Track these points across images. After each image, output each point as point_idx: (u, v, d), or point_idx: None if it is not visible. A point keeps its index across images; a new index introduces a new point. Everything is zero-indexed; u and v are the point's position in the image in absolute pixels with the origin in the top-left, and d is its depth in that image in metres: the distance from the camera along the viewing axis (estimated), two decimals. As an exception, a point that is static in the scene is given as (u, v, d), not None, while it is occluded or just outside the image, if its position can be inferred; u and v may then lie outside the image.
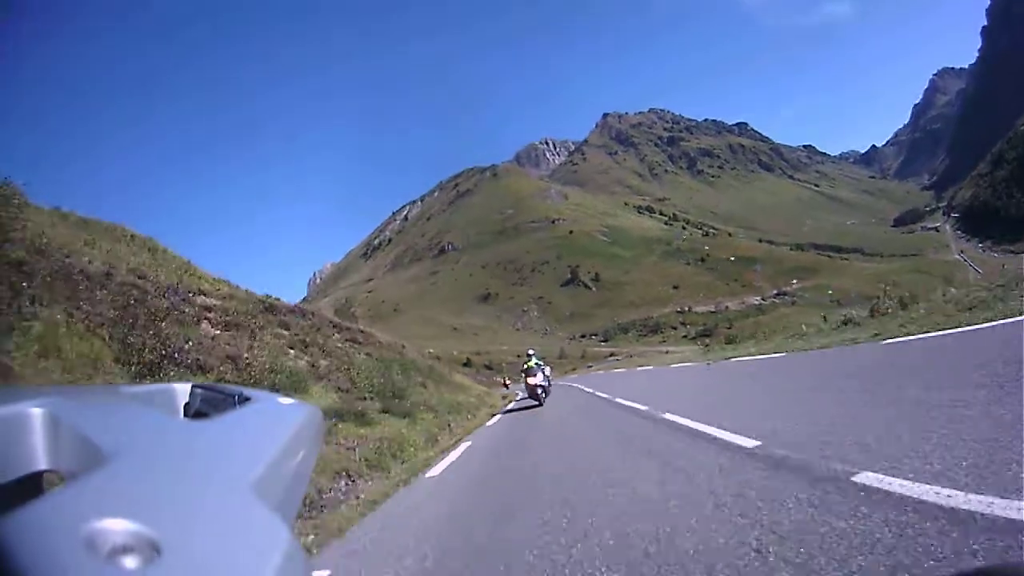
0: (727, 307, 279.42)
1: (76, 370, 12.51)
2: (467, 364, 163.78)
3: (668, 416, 13.22)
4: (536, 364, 30.29)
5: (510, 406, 34.07)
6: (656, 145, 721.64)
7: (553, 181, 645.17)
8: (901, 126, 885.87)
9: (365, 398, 22.76)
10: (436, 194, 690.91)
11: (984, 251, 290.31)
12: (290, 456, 0.90)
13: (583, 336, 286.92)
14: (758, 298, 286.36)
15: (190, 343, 17.13)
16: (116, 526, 0.54)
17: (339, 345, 36.88)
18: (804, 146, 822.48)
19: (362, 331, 51.15)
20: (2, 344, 10.69)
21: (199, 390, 1.27)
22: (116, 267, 20.58)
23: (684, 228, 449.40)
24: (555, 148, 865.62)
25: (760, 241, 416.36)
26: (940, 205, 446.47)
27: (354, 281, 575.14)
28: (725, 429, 9.56)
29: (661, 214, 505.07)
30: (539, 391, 29.46)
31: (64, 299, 15.02)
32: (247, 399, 1.17)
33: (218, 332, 22.81)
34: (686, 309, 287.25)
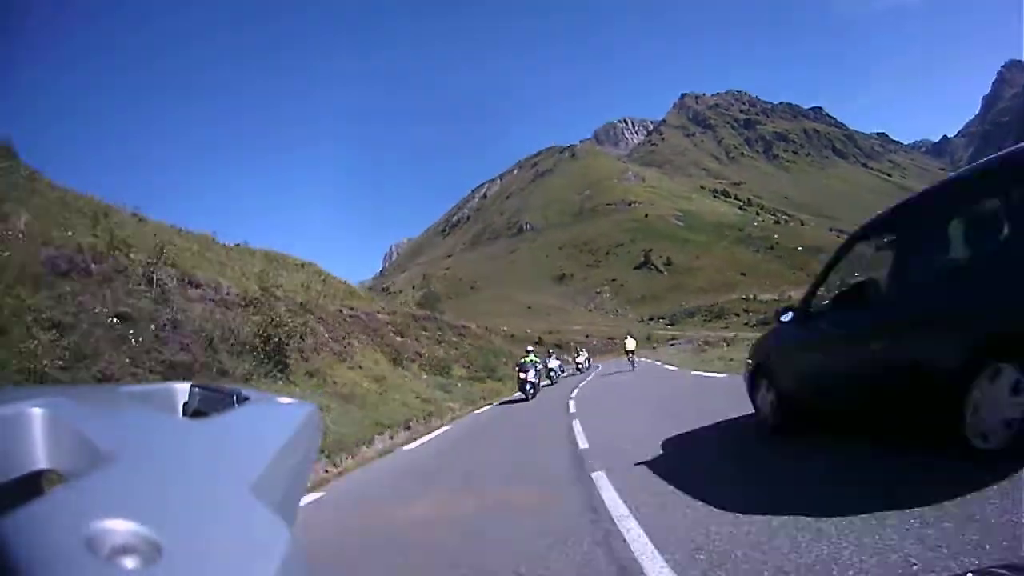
0: (790, 296, 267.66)
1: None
2: (538, 343, 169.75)
3: (665, 366, 41.91)
4: (532, 361, 32.80)
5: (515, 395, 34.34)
6: (733, 128, 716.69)
7: (631, 162, 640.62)
8: (971, 117, 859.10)
9: (478, 371, 43.44)
10: (515, 172, 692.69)
11: None
12: (289, 455, 0.91)
13: (651, 319, 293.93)
14: (786, 294, 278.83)
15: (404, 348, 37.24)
16: (116, 526, 0.54)
17: (455, 339, 58.23)
18: (877, 134, 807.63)
19: (464, 327, 71.36)
20: (288, 377, 19.92)
21: (198, 390, 1.29)
22: (313, 300, 31.90)
23: (758, 214, 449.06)
24: (633, 127, 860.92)
25: (830, 230, 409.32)
26: None
27: (432, 257, 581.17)
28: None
29: (736, 199, 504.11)
30: (528, 387, 31.28)
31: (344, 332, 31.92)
32: (246, 398, 1.20)
33: (399, 338, 40.51)
34: (751, 297, 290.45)
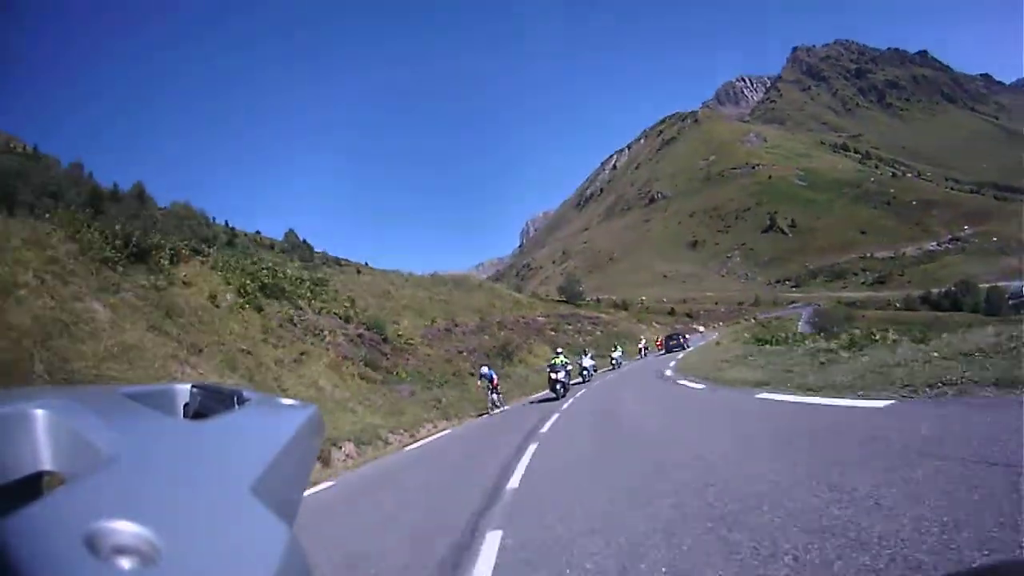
0: (904, 253, 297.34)
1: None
2: (670, 313, 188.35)
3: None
4: (562, 363, 33.27)
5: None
6: (846, 78, 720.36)
7: (753, 121, 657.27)
8: None
9: (602, 352, 62.58)
10: (642, 142, 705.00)
11: None
12: (290, 456, 0.91)
13: (778, 282, 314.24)
14: (934, 243, 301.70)
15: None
16: (116, 527, 0.55)
17: (588, 327, 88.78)
18: (981, 75, 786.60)
19: (597, 317, 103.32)
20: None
21: (198, 391, 1.29)
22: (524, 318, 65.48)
23: (876, 167, 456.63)
24: (752, 84, 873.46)
25: (946, 180, 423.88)
26: None
27: (570, 231, 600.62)
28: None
29: (855, 152, 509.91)
30: (558, 386, 31.51)
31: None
32: (246, 400, 1.20)
33: (553, 333, 75.91)
34: (868, 255, 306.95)
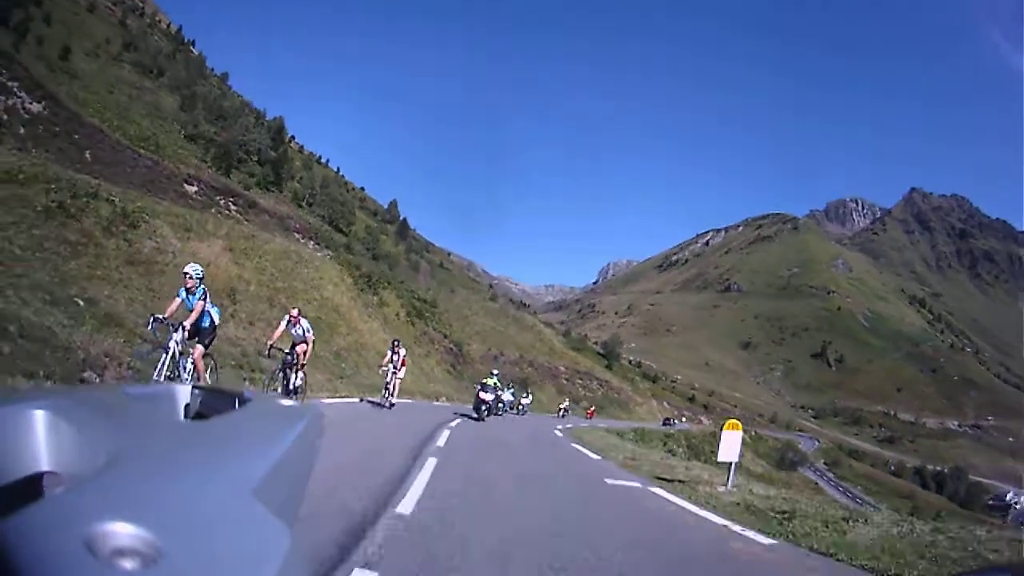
0: (924, 423, 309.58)
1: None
2: (691, 399, 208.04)
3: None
4: (493, 385, 32.31)
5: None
6: (948, 235, 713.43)
7: (850, 246, 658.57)
8: None
9: (597, 407, 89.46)
10: (740, 229, 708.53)
11: None
12: (291, 458, 0.91)
13: (803, 407, 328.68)
14: (956, 422, 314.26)
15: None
16: (117, 528, 0.55)
17: (595, 387, 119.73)
18: None
19: (606, 381, 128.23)
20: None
21: (199, 392, 1.31)
22: None
23: (941, 332, 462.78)
24: (863, 209, 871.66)
25: (1000, 365, 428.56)
26: None
27: (643, 290, 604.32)
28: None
29: (930, 311, 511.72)
30: (483, 407, 30.15)
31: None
32: (247, 400, 1.23)
33: (565, 382, 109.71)
34: (892, 413, 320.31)
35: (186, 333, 13.50)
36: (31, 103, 57.26)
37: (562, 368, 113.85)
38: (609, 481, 15.31)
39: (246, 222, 66.27)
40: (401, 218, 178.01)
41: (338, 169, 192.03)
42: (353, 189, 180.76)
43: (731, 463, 16.15)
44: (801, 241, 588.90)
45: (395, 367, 26.19)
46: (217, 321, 14.83)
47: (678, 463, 23.66)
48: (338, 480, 8.75)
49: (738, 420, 17.01)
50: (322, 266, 54.66)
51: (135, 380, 13.66)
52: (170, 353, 13.16)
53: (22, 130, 53.39)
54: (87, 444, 0.82)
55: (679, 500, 13.04)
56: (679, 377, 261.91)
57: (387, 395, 25.94)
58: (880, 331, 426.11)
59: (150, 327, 13.33)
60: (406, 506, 8.24)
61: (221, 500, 0.70)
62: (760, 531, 10.30)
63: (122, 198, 33.60)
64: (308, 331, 18.82)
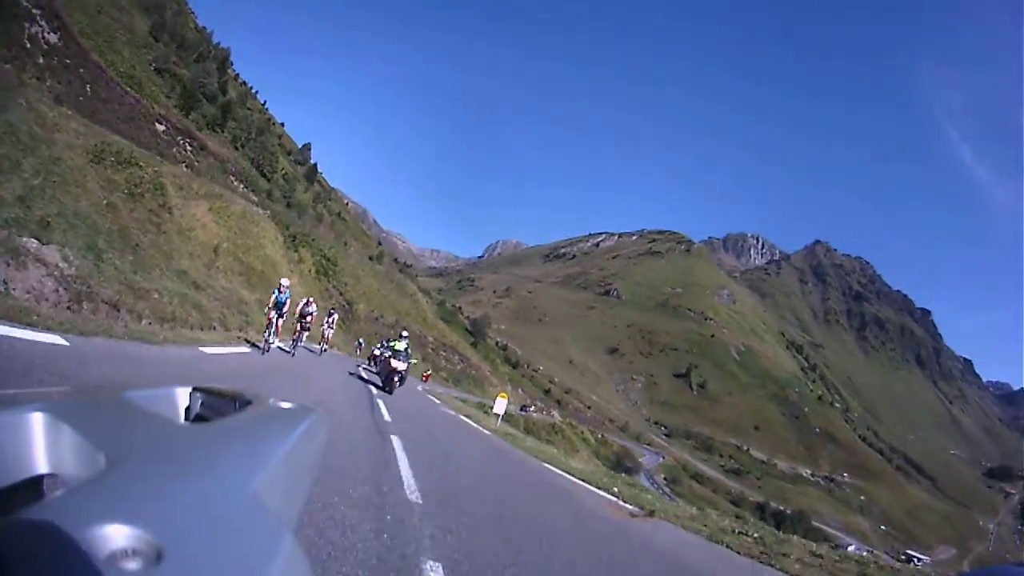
0: (775, 464, 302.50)
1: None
2: (546, 392, 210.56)
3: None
4: (405, 352, 27.89)
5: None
6: (844, 294, 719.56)
7: (739, 280, 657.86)
8: None
9: (453, 381, 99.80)
10: (634, 239, 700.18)
11: (1019, 538, 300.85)
12: (291, 460, 0.92)
13: (656, 423, 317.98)
14: (809, 471, 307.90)
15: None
16: (117, 530, 0.56)
17: (455, 360, 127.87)
18: (964, 359, 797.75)
19: (466, 358, 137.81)
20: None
21: (200, 394, 1.29)
22: None
23: (812, 383, 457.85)
24: (762, 247, 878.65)
25: (867, 429, 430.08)
26: None
27: (524, 275, 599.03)
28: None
29: (806, 360, 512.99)
30: (395, 378, 26.81)
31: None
32: (248, 402, 1.23)
33: (431, 351, 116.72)
34: (745, 448, 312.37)
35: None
36: (49, 32, 55.85)
37: (431, 339, 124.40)
38: (443, 410, 31.22)
39: (197, 163, 77.84)
40: (312, 163, 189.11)
41: (265, 103, 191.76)
42: (275, 125, 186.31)
43: (499, 414, 33.29)
44: (690, 263, 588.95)
45: (329, 325, 39.25)
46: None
47: (485, 415, 38.61)
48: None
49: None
50: (263, 224, 59.58)
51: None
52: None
53: (41, 60, 53.22)
54: (87, 447, 0.81)
55: (472, 424, 29.15)
56: (541, 368, 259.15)
57: (323, 346, 39.49)
58: (749, 367, 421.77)
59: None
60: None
61: (222, 502, 0.70)
62: (500, 438, 26.14)
63: (147, 161, 37.00)
64: (312, 304, 30.21)
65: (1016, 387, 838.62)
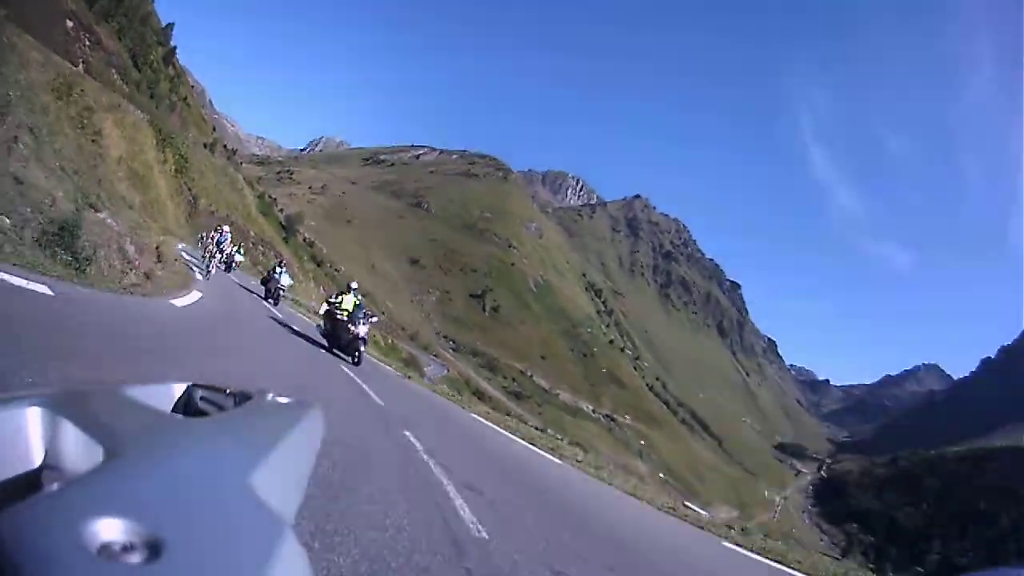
0: (559, 395, 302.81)
1: None
2: (340, 293, 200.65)
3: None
4: (359, 306, 23.87)
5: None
6: (654, 251, 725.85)
7: (553, 215, 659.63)
8: (863, 383, 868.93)
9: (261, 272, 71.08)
10: (454, 158, 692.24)
11: (808, 516, 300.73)
12: (290, 455, 0.92)
13: (446, 337, 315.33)
14: (591, 407, 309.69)
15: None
16: (115, 525, 0.55)
17: (270, 255, 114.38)
18: (768, 339, 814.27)
19: (280, 253, 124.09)
20: None
21: (198, 389, 1.28)
22: None
23: (607, 327, 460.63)
24: (580, 190, 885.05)
25: (656, 380, 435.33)
26: (821, 458, 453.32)
27: (341, 176, 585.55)
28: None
29: (604, 304, 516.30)
30: (360, 347, 22.97)
31: None
32: (247, 397, 1.22)
33: (252, 245, 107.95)
34: (529, 375, 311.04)
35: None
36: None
37: (252, 233, 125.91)
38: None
39: (91, 59, 79.52)
40: (172, 45, 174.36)
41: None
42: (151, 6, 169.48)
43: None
44: (505, 191, 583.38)
45: (239, 252, 47.64)
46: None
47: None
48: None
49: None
50: (144, 130, 58.88)
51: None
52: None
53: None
54: (85, 440, 0.81)
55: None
56: (343, 268, 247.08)
57: (235, 265, 47.07)
58: (545, 300, 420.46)
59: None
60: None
61: (220, 496, 0.70)
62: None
63: (86, 86, 38.55)
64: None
65: (819, 376, 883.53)
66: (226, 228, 37.02)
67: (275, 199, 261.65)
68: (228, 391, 1.27)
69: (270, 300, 37.23)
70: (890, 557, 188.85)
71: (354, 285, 25.33)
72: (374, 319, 24.69)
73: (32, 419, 0.83)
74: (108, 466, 0.72)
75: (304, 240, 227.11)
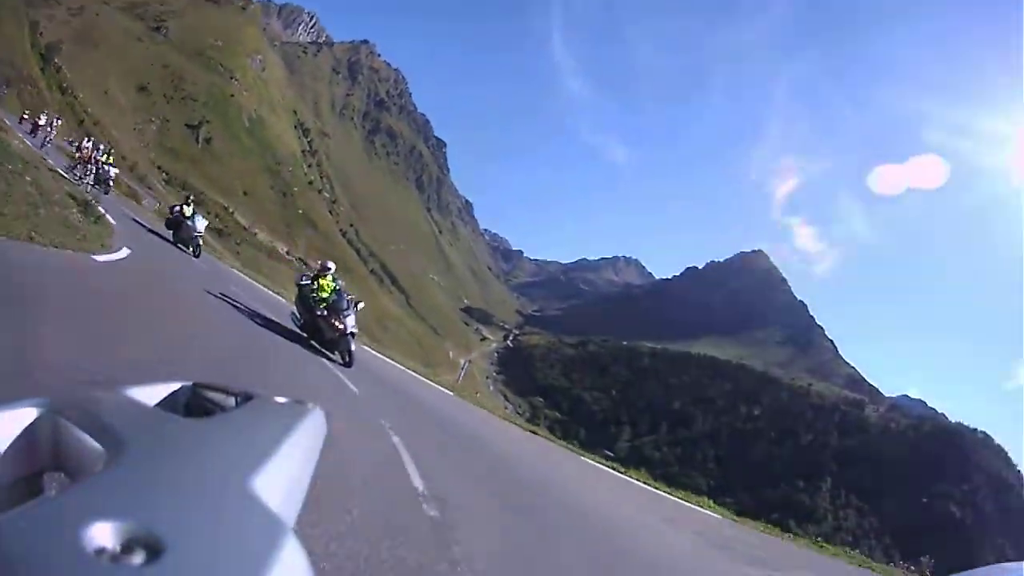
0: (256, 234, 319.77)
1: None
2: (81, 123, 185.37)
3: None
4: (339, 291, 19.85)
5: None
6: (368, 97, 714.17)
7: (279, 48, 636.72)
8: (559, 262, 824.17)
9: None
10: None
11: (493, 383, 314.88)
12: (292, 456, 0.90)
13: (160, 168, 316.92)
14: (285, 249, 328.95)
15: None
16: (118, 526, 0.54)
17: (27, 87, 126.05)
18: (465, 200, 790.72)
19: (35, 85, 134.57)
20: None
21: (200, 389, 1.26)
22: None
23: (309, 167, 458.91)
24: (312, 27, 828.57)
25: (351, 227, 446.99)
26: (509, 328, 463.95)
27: None
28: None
29: (309, 144, 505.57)
30: (351, 345, 18.83)
31: None
32: (249, 398, 1.19)
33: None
34: (230, 210, 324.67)
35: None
36: None
37: (26, 73, 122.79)
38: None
39: None
40: None
41: None
42: None
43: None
44: (242, 21, 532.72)
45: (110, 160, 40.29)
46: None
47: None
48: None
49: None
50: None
51: None
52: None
53: None
54: (87, 442, 0.81)
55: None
56: (81, 95, 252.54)
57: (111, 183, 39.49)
58: (256, 135, 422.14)
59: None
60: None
61: (222, 497, 0.69)
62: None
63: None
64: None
65: (513, 247, 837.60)
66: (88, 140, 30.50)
67: (38, 21, 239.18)
68: (230, 391, 1.23)
69: (181, 246, 30.57)
70: (578, 437, 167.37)
71: (331, 266, 20.98)
72: (360, 305, 20.20)
73: (35, 421, 0.83)
74: (110, 467, 0.72)
75: (54, 67, 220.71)
